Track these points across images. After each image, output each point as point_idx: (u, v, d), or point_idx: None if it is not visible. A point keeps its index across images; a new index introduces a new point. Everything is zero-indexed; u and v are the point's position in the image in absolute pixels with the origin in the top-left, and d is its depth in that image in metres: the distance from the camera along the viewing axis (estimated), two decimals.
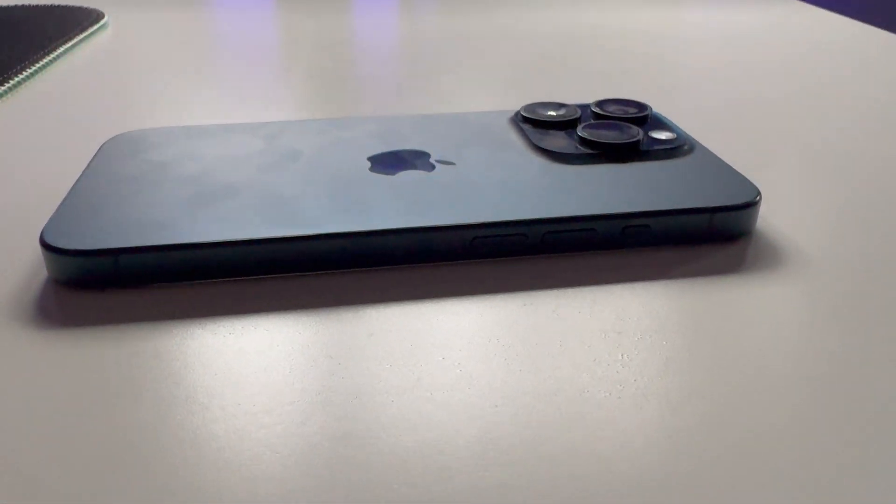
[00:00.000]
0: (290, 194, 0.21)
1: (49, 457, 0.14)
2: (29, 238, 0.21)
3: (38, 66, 0.36)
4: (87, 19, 0.45)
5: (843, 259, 0.20)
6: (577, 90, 0.34)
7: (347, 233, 0.19)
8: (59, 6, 0.48)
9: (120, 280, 0.18)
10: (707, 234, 0.21)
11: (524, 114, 0.26)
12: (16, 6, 0.48)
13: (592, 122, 0.25)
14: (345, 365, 0.16)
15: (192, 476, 0.13)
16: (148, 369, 0.16)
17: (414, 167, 0.22)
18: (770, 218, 0.22)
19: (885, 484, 0.13)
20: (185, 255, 0.18)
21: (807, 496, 0.13)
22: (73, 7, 0.48)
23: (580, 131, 0.24)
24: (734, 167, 0.25)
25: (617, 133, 0.24)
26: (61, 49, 0.39)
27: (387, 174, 0.22)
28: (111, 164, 0.23)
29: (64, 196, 0.23)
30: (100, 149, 0.24)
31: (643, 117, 0.26)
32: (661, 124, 0.25)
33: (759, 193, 0.21)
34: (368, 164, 0.23)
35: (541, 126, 0.25)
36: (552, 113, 0.26)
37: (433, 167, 0.22)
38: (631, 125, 0.24)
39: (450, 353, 0.16)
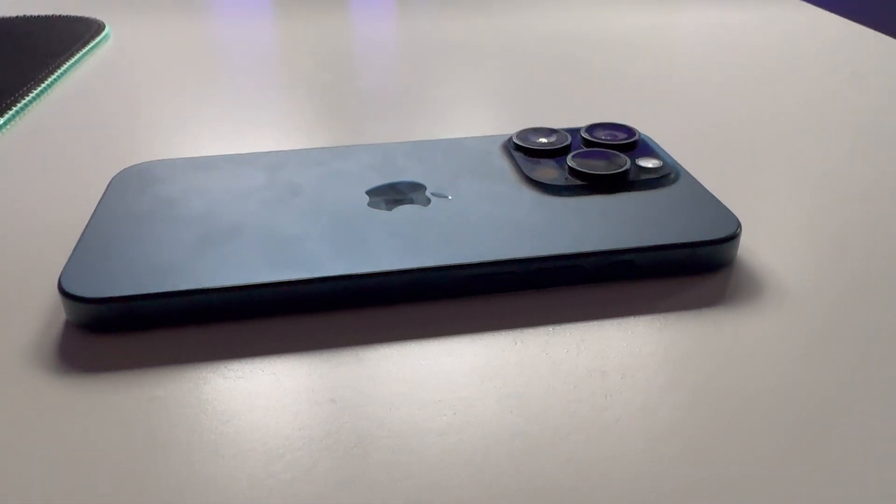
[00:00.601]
0: (293, 234, 0.22)
1: (69, 502, 0.15)
2: (47, 278, 0.22)
3: (42, 86, 0.37)
4: (87, 31, 0.46)
5: (821, 289, 0.21)
6: (570, 97, 0.35)
7: (348, 275, 0.20)
8: (59, 16, 0.49)
9: (135, 323, 0.20)
10: (689, 267, 0.22)
11: (516, 141, 0.27)
12: (16, 17, 0.49)
13: (582, 149, 0.26)
14: (347, 409, 0.17)
15: None
16: (165, 416, 0.17)
17: (411, 201, 0.23)
18: (751, 243, 0.23)
19: None
20: (196, 300, 0.19)
21: None
22: (73, 17, 0.49)
23: (570, 161, 0.25)
24: (716, 195, 0.26)
25: (605, 163, 0.25)
26: (64, 66, 0.40)
27: (384, 209, 0.23)
28: (121, 201, 0.24)
29: (78, 235, 0.24)
30: (109, 183, 0.25)
31: (632, 143, 0.27)
32: (648, 150, 0.26)
33: (739, 226, 0.22)
34: (367, 198, 0.24)
35: (532, 154, 0.26)
36: (543, 140, 0.27)
37: (429, 201, 0.23)
38: (619, 153, 0.25)
39: (445, 395, 0.18)
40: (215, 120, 0.34)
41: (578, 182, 0.24)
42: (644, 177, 0.25)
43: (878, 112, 0.34)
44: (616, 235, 0.22)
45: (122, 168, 0.29)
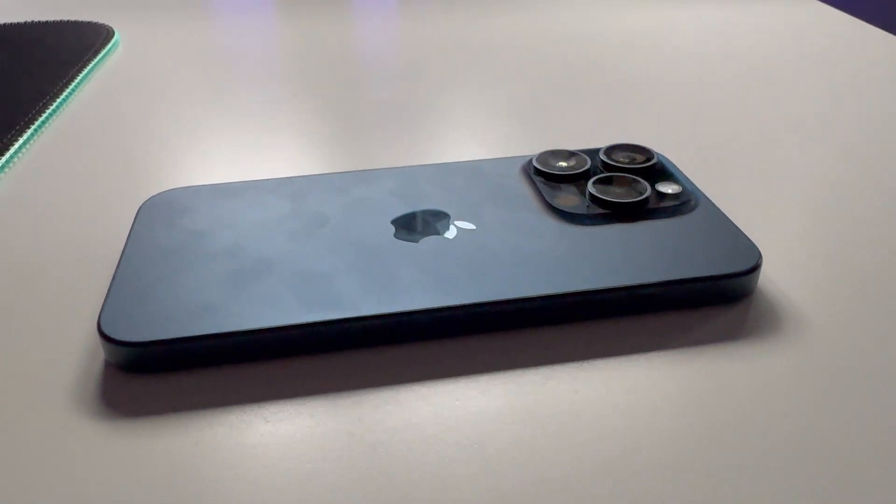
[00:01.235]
0: (323, 270, 0.22)
1: None
2: (84, 312, 0.23)
3: (57, 101, 0.37)
4: (98, 39, 0.46)
5: (840, 320, 0.22)
6: (580, 102, 0.36)
7: (380, 315, 0.20)
8: (68, 22, 0.49)
9: (173, 365, 0.20)
10: (711, 298, 0.22)
11: (536, 165, 0.27)
12: (25, 23, 0.49)
13: (601, 174, 0.26)
14: (381, 451, 0.18)
15: None
16: (210, 461, 0.18)
17: (436, 231, 0.24)
18: (768, 268, 0.24)
19: None
20: (233, 342, 0.20)
21: None
22: (82, 23, 0.49)
23: (590, 187, 0.25)
24: (734, 219, 0.26)
25: (625, 190, 0.25)
26: (78, 78, 0.40)
27: (411, 241, 0.23)
28: (151, 233, 0.24)
29: (110, 266, 0.25)
30: (137, 213, 0.25)
31: (650, 167, 0.27)
32: (667, 174, 0.27)
33: (760, 257, 0.22)
34: (392, 228, 0.24)
35: (552, 179, 0.27)
36: (563, 164, 0.27)
37: (454, 231, 0.24)
38: (639, 179, 0.26)
39: (479, 437, 0.18)
40: (231, 133, 0.34)
41: (599, 210, 0.25)
42: (664, 204, 0.25)
43: None
44: (639, 270, 0.22)
45: (148, 194, 0.30)
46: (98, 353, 0.21)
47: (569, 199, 0.25)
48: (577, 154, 0.28)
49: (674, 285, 0.22)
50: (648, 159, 0.27)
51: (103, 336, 0.20)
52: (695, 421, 0.19)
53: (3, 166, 0.31)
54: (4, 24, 0.48)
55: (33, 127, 0.34)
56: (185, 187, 0.27)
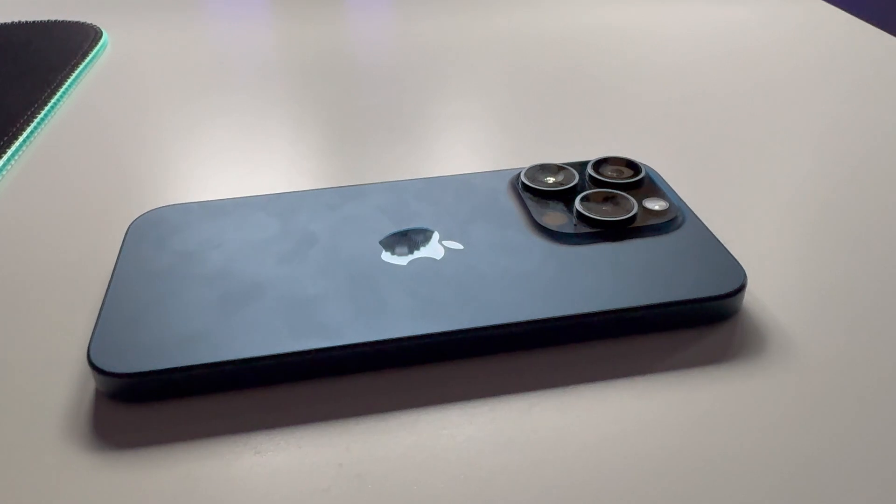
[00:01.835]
0: (312, 294, 0.22)
1: None
2: (73, 338, 0.23)
3: (46, 109, 0.37)
4: (86, 40, 0.45)
5: (826, 341, 0.22)
6: (570, 106, 0.36)
7: (368, 342, 0.21)
8: (55, 22, 0.49)
9: (164, 394, 0.20)
10: (696, 319, 0.22)
11: (524, 181, 0.27)
12: (12, 24, 0.48)
13: (589, 190, 0.26)
14: (369, 482, 0.18)
15: None
16: (202, 495, 0.18)
17: (424, 252, 0.24)
18: (756, 290, 0.24)
19: None
20: (222, 371, 0.20)
21: None
22: (69, 23, 0.48)
23: (578, 205, 0.26)
24: (722, 237, 0.27)
25: (612, 207, 0.25)
26: (67, 83, 0.40)
27: (399, 262, 0.24)
28: (139, 256, 0.24)
29: (99, 289, 0.25)
30: (126, 234, 0.25)
31: (638, 181, 0.27)
32: (654, 189, 0.27)
33: (745, 277, 0.23)
34: (381, 249, 0.24)
35: (540, 195, 0.27)
36: (551, 180, 0.27)
37: (442, 251, 0.24)
38: (626, 196, 0.26)
39: (466, 467, 0.18)
40: (220, 141, 0.34)
41: (586, 229, 0.25)
42: (651, 221, 0.25)
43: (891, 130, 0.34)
44: (624, 293, 0.22)
45: (136, 207, 0.30)
46: (89, 380, 0.21)
47: (556, 216, 0.26)
48: (566, 168, 0.28)
49: (658, 308, 0.22)
50: (636, 173, 0.27)
51: (94, 367, 0.20)
52: (680, 448, 0.19)
53: None
54: None
55: (20, 139, 0.34)
56: (175, 205, 0.27)
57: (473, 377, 0.21)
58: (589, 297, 0.22)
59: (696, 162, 0.32)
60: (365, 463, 0.19)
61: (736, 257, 0.25)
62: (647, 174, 0.28)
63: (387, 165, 0.32)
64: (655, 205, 0.26)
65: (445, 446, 0.19)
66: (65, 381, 0.21)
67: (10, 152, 0.33)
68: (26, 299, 0.25)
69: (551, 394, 0.21)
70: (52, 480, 0.18)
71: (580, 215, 0.25)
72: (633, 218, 0.25)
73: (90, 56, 0.43)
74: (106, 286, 0.25)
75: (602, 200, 0.26)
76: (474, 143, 0.34)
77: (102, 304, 0.22)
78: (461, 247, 0.24)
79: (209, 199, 0.27)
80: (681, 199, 0.26)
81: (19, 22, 0.49)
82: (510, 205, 0.26)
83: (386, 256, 0.24)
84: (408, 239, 0.25)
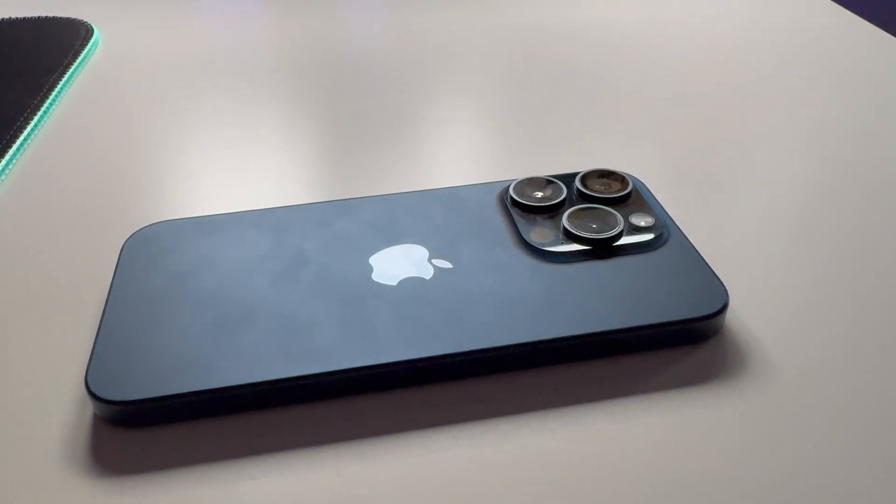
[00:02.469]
0: (304, 317, 0.23)
1: None
2: (70, 361, 0.23)
3: (39, 114, 0.37)
4: (77, 38, 0.45)
5: (807, 360, 0.23)
6: (561, 107, 0.36)
7: (359, 367, 0.21)
8: (45, 18, 0.48)
9: (161, 419, 0.21)
10: (678, 339, 0.23)
11: (513, 195, 0.28)
12: (2, 21, 0.48)
13: (576, 206, 0.27)
14: None
15: None
16: None
17: (414, 272, 0.25)
18: (738, 308, 0.25)
19: None
20: (218, 397, 0.21)
21: None
22: (59, 19, 0.48)
23: (565, 221, 0.26)
24: (705, 253, 0.27)
25: (599, 224, 0.26)
26: (58, 87, 0.40)
27: (389, 283, 0.24)
28: (135, 277, 0.25)
29: (95, 309, 0.25)
30: (121, 253, 0.26)
31: (625, 195, 0.27)
32: (641, 204, 0.27)
33: (727, 297, 0.23)
34: (371, 267, 0.25)
35: (527, 211, 0.27)
36: (538, 194, 0.28)
37: (431, 271, 0.25)
38: (613, 211, 0.26)
39: (460, 491, 0.19)
40: (213, 146, 0.34)
41: (572, 247, 0.25)
42: (636, 238, 0.26)
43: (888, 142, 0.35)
44: (608, 316, 0.23)
45: (131, 219, 0.30)
46: (87, 403, 0.22)
47: (543, 232, 0.26)
48: (554, 182, 0.28)
49: (641, 330, 0.22)
50: (623, 187, 0.28)
51: (91, 394, 0.21)
52: (662, 470, 0.20)
53: None
54: None
55: (13, 149, 0.34)
56: (168, 221, 0.27)
57: (461, 399, 0.22)
58: (573, 320, 0.23)
59: (685, 168, 0.32)
60: (356, 487, 0.19)
61: (718, 274, 0.26)
62: (634, 187, 0.28)
63: (379, 171, 0.33)
64: (641, 220, 0.26)
65: (435, 469, 0.20)
66: (63, 405, 0.22)
67: (2, 163, 0.33)
68: (24, 321, 0.25)
69: (537, 416, 0.21)
70: None
71: (567, 232, 0.26)
72: (619, 235, 0.26)
73: (82, 55, 0.43)
74: (102, 305, 0.26)
75: (588, 216, 0.26)
76: (465, 148, 0.34)
77: (99, 328, 0.23)
78: (450, 266, 0.25)
79: (203, 215, 0.28)
80: (666, 214, 0.27)
81: (7, 19, 0.49)
82: (499, 220, 0.27)
83: (376, 276, 0.24)
84: (398, 259, 0.25)
